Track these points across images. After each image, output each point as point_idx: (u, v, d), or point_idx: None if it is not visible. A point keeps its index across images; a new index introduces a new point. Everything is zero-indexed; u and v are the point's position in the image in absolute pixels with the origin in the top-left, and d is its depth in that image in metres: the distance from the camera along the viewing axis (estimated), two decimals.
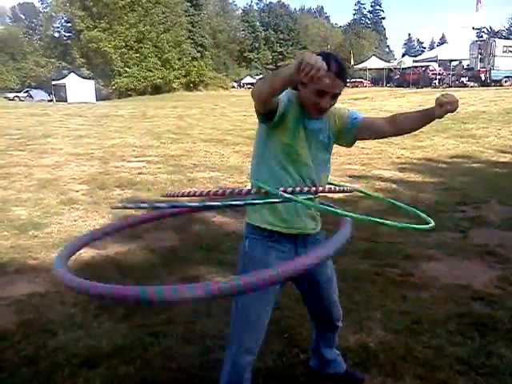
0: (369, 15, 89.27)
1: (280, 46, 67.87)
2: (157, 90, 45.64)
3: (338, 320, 2.16)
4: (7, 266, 3.76)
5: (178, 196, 1.74)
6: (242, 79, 58.26)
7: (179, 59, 48.90)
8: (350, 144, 1.98)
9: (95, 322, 2.87)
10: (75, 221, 4.99)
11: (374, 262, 3.81)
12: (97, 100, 36.97)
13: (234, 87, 51.32)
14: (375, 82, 42.00)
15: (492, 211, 5.22)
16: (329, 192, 1.81)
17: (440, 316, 2.90)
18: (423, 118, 1.82)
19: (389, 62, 45.92)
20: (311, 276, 1.97)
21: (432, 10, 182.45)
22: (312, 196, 1.79)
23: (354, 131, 1.92)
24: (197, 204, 1.80)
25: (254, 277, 1.29)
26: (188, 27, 52.77)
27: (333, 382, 2.30)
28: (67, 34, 54.73)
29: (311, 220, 1.93)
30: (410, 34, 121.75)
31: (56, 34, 55.98)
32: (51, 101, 37.78)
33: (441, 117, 1.72)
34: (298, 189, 1.71)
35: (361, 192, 2.23)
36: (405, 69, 35.40)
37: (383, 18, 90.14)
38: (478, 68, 28.68)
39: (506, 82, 27.57)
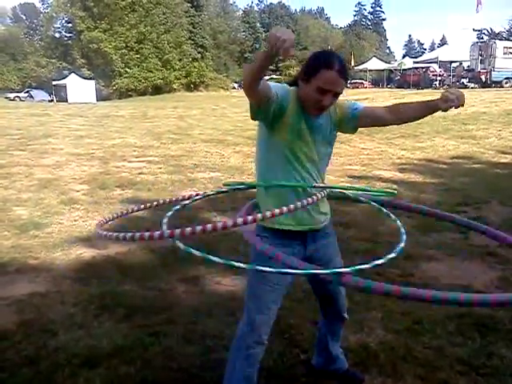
0: (369, 16, 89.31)
1: None
2: (157, 90, 45.66)
3: (344, 310, 2.19)
4: (8, 266, 3.76)
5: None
6: (242, 80, 58.18)
7: (180, 60, 48.94)
8: (351, 132, 2.00)
9: (96, 321, 2.87)
10: (76, 221, 4.99)
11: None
12: (97, 100, 37.01)
13: (234, 88, 51.27)
14: (376, 83, 42.00)
15: (493, 212, 5.21)
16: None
17: (440, 316, 2.90)
18: (426, 109, 1.82)
19: (389, 63, 45.92)
20: (318, 265, 2.00)
21: (432, 11, 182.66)
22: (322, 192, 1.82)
23: (355, 121, 1.93)
24: None
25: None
26: (189, 28, 52.77)
27: (334, 382, 2.30)
28: (68, 35, 54.80)
29: (320, 215, 1.95)
30: (410, 36, 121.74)
31: (57, 35, 56.03)
32: (52, 101, 37.82)
33: (446, 110, 1.73)
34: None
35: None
36: (405, 70, 35.43)
37: (384, 20, 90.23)
38: (479, 69, 28.70)
39: (506, 83, 27.59)
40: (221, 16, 66.36)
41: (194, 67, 48.81)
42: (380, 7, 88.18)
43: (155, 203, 2.02)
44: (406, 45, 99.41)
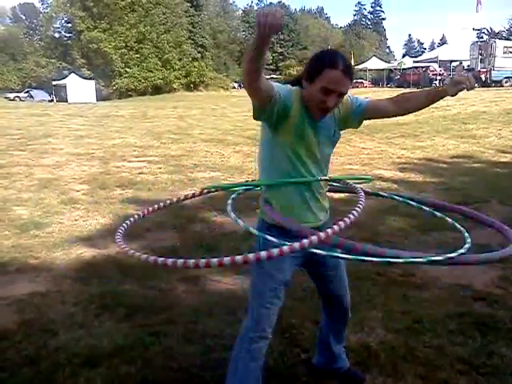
0: (369, 16, 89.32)
1: (280, 47, 67.80)
2: (157, 90, 45.62)
3: (348, 308, 2.18)
4: (8, 266, 3.76)
5: None
6: (242, 80, 58.16)
7: (180, 60, 48.88)
8: (356, 127, 2.00)
9: (96, 321, 2.87)
10: (76, 220, 4.99)
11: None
12: (97, 100, 37.00)
13: (234, 88, 51.27)
14: (375, 82, 41.96)
15: (493, 211, 5.21)
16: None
17: (441, 316, 2.90)
18: (433, 96, 1.83)
19: (389, 62, 45.91)
20: (320, 266, 2.04)
21: (432, 10, 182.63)
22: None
23: (359, 116, 1.93)
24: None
25: None
26: (188, 28, 52.73)
27: (334, 381, 2.30)
28: (68, 35, 54.74)
29: (321, 212, 1.95)
30: (410, 35, 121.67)
31: (56, 35, 55.99)
32: (52, 101, 37.81)
33: (455, 94, 1.74)
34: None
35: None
36: (405, 69, 35.40)
37: (383, 19, 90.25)
38: (479, 69, 28.69)
39: (506, 82, 27.61)
40: (220, 16, 66.34)
41: (194, 67, 48.75)
42: (380, 7, 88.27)
43: (168, 202, 2.12)
44: (405, 44, 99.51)
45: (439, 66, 32.86)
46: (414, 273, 3.59)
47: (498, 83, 27.39)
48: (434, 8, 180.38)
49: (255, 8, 75.17)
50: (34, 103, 33.21)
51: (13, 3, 74.60)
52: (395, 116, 1.98)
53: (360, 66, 42.71)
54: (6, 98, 39.80)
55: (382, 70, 41.47)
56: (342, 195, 4.91)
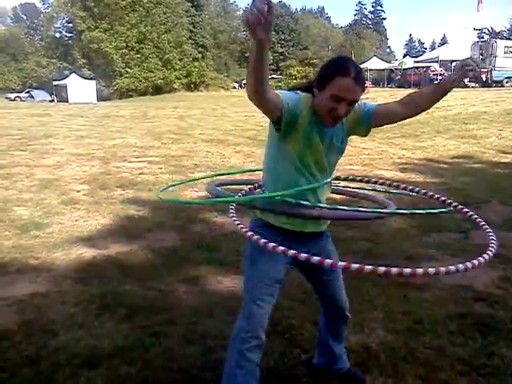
0: (370, 16, 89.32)
1: (281, 47, 67.77)
2: (158, 90, 45.65)
3: (345, 310, 2.17)
4: (9, 266, 3.76)
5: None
6: (243, 80, 58.22)
7: (180, 60, 48.92)
8: (365, 134, 1.96)
9: (96, 322, 2.87)
10: (76, 221, 4.99)
11: (375, 262, 3.79)
12: (98, 100, 37.05)
13: (235, 88, 51.28)
14: (376, 82, 41.93)
15: (493, 211, 5.21)
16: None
17: (441, 316, 2.90)
18: (440, 90, 1.83)
19: (390, 62, 45.88)
20: (315, 267, 1.99)
21: (433, 10, 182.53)
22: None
23: (369, 122, 1.89)
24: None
25: None
26: (189, 28, 52.77)
27: (335, 382, 2.30)
28: (68, 35, 54.83)
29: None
30: (411, 35, 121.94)
31: (57, 35, 56.08)
32: (52, 101, 37.85)
33: (460, 80, 1.77)
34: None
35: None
36: (406, 69, 35.41)
37: (384, 19, 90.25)
38: (480, 69, 28.68)
39: (507, 82, 27.60)
40: (221, 15, 66.39)
41: (195, 67, 48.76)
42: (381, 6, 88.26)
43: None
44: (406, 44, 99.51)
45: (440, 66, 32.83)
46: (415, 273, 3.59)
47: (499, 83, 27.39)
48: (435, 7, 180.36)
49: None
50: (34, 103, 33.23)
51: (14, 3, 75.08)
52: (404, 119, 1.93)
53: (360, 66, 42.67)
54: (6, 98, 39.84)
55: (383, 70, 41.45)
56: (343, 196, 4.93)
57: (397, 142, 10.61)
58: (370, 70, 42.50)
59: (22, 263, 3.82)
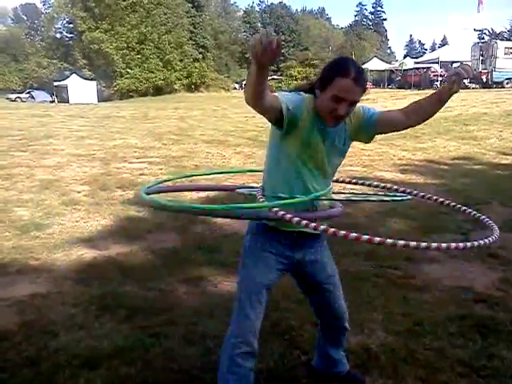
0: (370, 16, 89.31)
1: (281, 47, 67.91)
2: (158, 91, 45.66)
3: (344, 321, 2.15)
4: (9, 267, 3.76)
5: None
6: (243, 80, 58.30)
7: (181, 60, 48.92)
8: (368, 140, 1.93)
9: (96, 322, 2.87)
10: (77, 222, 4.99)
11: (376, 263, 3.81)
12: (98, 101, 37.05)
13: (235, 88, 51.28)
14: (376, 83, 41.93)
15: (493, 213, 5.20)
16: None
17: (441, 318, 2.90)
18: (438, 103, 1.80)
19: (390, 63, 45.90)
20: (312, 276, 2.01)
21: (433, 11, 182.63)
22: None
23: (372, 128, 1.87)
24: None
25: None
26: (190, 28, 52.79)
27: (334, 383, 2.30)
28: (69, 35, 54.86)
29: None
30: (411, 36, 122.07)
31: (58, 35, 56.11)
32: (53, 102, 37.87)
33: (459, 81, 1.73)
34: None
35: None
36: (406, 70, 35.42)
37: (384, 20, 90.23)
38: (480, 70, 28.68)
39: (507, 83, 27.58)
40: (222, 16, 66.41)
41: (195, 68, 48.76)
42: (381, 7, 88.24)
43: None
44: (407, 45, 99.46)
45: (440, 67, 32.83)
46: (415, 275, 3.60)
47: (499, 84, 27.38)
48: (435, 8, 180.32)
49: (256, 8, 75.26)
50: (35, 104, 33.24)
51: (14, 4, 75.05)
52: (406, 128, 1.90)
53: (362, 67, 42.68)
54: (7, 98, 39.84)
55: (383, 70, 41.47)
56: (342, 196, 4.93)
57: (397, 143, 10.61)
58: (371, 70, 42.49)
59: (23, 264, 3.82)
